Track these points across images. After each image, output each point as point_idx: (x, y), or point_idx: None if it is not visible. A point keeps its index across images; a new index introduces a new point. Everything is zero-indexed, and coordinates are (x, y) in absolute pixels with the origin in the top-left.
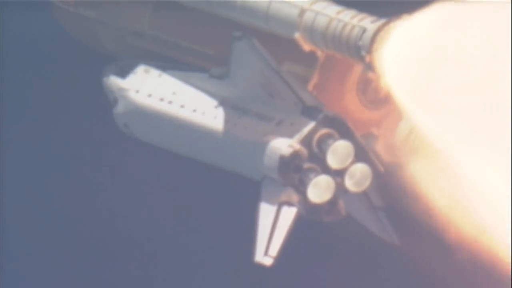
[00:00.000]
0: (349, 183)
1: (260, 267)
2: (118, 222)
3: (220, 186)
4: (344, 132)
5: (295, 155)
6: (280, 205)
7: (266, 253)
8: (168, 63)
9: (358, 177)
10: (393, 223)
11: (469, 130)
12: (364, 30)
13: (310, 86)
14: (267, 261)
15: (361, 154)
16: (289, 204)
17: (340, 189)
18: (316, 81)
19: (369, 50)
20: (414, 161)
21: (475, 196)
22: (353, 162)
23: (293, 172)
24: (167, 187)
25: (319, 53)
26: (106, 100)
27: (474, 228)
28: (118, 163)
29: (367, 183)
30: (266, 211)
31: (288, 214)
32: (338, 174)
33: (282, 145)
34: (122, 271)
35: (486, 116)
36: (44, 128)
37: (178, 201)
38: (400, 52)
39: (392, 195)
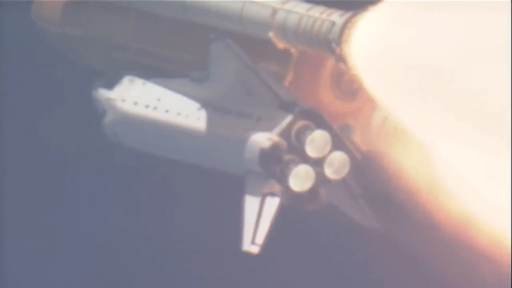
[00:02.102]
0: (329, 171)
1: (247, 255)
2: (118, 222)
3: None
4: (321, 123)
5: (275, 147)
6: (263, 196)
7: (253, 241)
8: (151, 72)
9: (336, 165)
10: (373, 209)
11: (437, 113)
12: (333, 24)
13: (286, 83)
14: (254, 249)
15: (338, 143)
16: (272, 194)
17: (320, 178)
18: (291, 78)
19: (339, 42)
20: (389, 148)
21: (449, 175)
22: (331, 151)
23: (274, 164)
24: (163, 186)
25: (292, 50)
26: None
27: (452, 208)
28: (118, 163)
29: (345, 170)
30: (250, 203)
31: (272, 204)
32: (318, 163)
33: (262, 139)
34: (121, 271)
35: (452, 98)
36: (44, 128)
37: (176, 201)
38: (368, 42)
39: (370, 182)
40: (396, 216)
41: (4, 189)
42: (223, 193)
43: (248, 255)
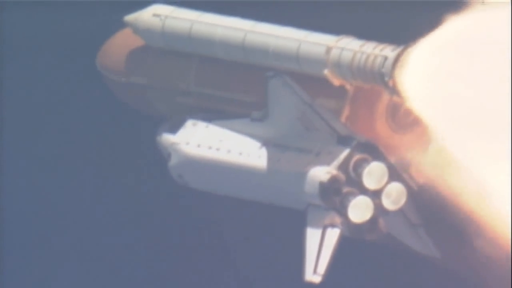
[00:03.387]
0: (386, 202)
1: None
2: (117, 222)
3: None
4: (377, 155)
5: (333, 179)
6: (324, 228)
7: (315, 271)
8: (213, 114)
9: (394, 195)
10: (432, 238)
11: (491, 142)
12: (385, 58)
13: (343, 118)
14: (316, 279)
15: (395, 175)
16: (333, 226)
17: (379, 209)
18: (348, 113)
19: (392, 75)
20: (445, 179)
21: (503, 204)
22: (388, 182)
23: (334, 196)
24: (167, 188)
25: (348, 86)
26: (106, 100)
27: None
28: (118, 163)
29: (402, 200)
30: (312, 234)
31: (333, 235)
32: (375, 195)
33: (321, 172)
34: (121, 272)
35: (504, 127)
36: (44, 128)
37: (179, 204)
38: (419, 74)
39: (428, 212)
40: (455, 245)
41: (4, 189)
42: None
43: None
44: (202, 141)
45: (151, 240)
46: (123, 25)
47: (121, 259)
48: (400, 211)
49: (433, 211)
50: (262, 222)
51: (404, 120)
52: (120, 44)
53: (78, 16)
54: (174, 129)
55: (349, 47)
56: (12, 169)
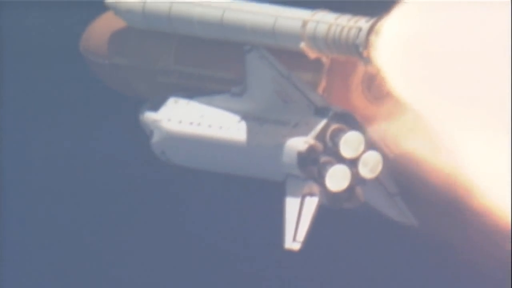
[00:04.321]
0: (363, 170)
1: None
2: (117, 222)
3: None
4: (353, 125)
5: (311, 149)
6: (303, 197)
7: (294, 239)
8: (195, 91)
9: (370, 164)
10: (409, 206)
11: (464, 110)
12: (359, 29)
13: (320, 90)
14: (296, 246)
15: (371, 143)
16: (311, 195)
17: (356, 177)
18: (324, 85)
19: (366, 46)
20: (420, 147)
21: (475, 171)
22: (364, 151)
23: (311, 165)
24: (165, 188)
25: (324, 59)
26: (105, 100)
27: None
28: (118, 163)
29: (379, 168)
30: (291, 204)
31: (311, 204)
32: (352, 164)
33: (299, 143)
34: (121, 272)
35: (479, 94)
36: (44, 127)
37: (178, 206)
38: (392, 43)
39: (404, 180)
40: (431, 212)
41: (4, 189)
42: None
43: (290, 252)
44: (183, 117)
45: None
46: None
47: (121, 259)
48: (377, 180)
49: (409, 179)
50: (243, 196)
51: (379, 90)
52: (102, 27)
53: (78, 16)
54: (156, 107)
55: (324, 20)
56: (12, 169)
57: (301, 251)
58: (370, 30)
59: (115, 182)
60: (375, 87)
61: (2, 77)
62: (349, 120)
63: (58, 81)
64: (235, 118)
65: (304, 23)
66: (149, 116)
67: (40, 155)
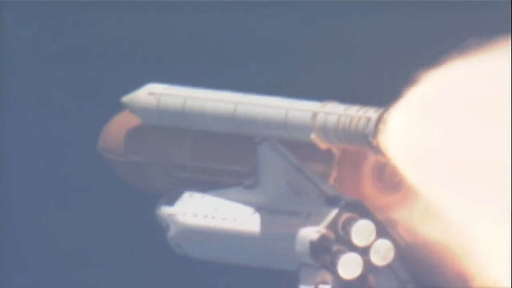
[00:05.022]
0: (375, 258)
1: None
2: (117, 223)
3: None
4: (364, 213)
5: (323, 238)
6: (316, 285)
7: None
8: (209, 185)
9: (382, 251)
10: None
11: (478, 197)
12: (369, 119)
13: (331, 181)
14: None
15: (382, 231)
16: (324, 283)
17: (368, 265)
18: (335, 176)
19: (375, 135)
20: (433, 236)
21: (489, 259)
22: (376, 239)
23: (324, 254)
24: None
25: (334, 149)
26: (105, 100)
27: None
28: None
29: (391, 256)
30: None
31: None
32: (364, 251)
33: (311, 232)
34: (121, 273)
35: (491, 182)
36: (44, 128)
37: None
38: (401, 132)
39: (417, 268)
40: None
41: (4, 189)
42: None
43: None
44: (198, 210)
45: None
46: (123, 24)
47: (121, 259)
48: (389, 267)
49: (422, 267)
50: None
51: (390, 180)
52: (119, 125)
53: (78, 16)
54: (171, 201)
55: (333, 111)
56: (12, 169)
57: None
58: (379, 119)
59: (115, 182)
60: (385, 177)
61: (2, 77)
62: (360, 209)
63: (58, 81)
64: (249, 210)
65: (314, 115)
66: (165, 210)
67: (40, 156)
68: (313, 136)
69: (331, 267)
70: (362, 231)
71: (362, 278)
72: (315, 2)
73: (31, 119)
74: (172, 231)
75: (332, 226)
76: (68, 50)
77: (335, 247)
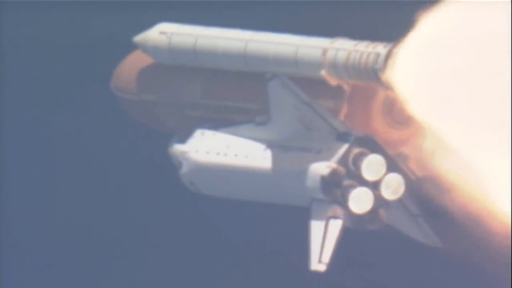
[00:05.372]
0: (386, 192)
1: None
2: (117, 223)
3: None
4: (375, 148)
5: (334, 173)
6: (327, 220)
7: (320, 261)
8: (220, 123)
9: (393, 186)
10: (432, 227)
11: (487, 132)
12: (378, 55)
13: (342, 116)
14: (322, 268)
15: (393, 166)
16: (336, 217)
17: (379, 199)
18: (346, 111)
19: (384, 71)
20: (443, 170)
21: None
22: (386, 173)
23: (335, 189)
24: (168, 189)
25: (345, 86)
26: (105, 100)
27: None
28: (120, 163)
29: (401, 190)
30: (316, 226)
31: (335, 226)
32: (375, 186)
33: (322, 167)
34: (120, 273)
35: (496, 114)
36: (43, 128)
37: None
38: (409, 67)
39: (427, 202)
40: (454, 232)
41: (4, 189)
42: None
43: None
44: (210, 148)
45: (155, 242)
46: (123, 26)
47: (121, 260)
48: (400, 202)
49: (432, 201)
50: (270, 222)
51: (400, 115)
52: (131, 65)
53: (78, 16)
54: (184, 139)
55: (343, 47)
56: (12, 169)
57: (326, 272)
58: (388, 55)
59: (116, 181)
60: (395, 112)
61: (2, 77)
62: (371, 144)
63: (58, 81)
64: (260, 146)
65: (324, 51)
66: (177, 148)
67: (40, 155)
68: (323, 72)
69: (342, 202)
70: (372, 166)
71: (373, 212)
72: None
73: (31, 119)
74: (184, 169)
75: (343, 161)
76: (68, 50)
77: (346, 182)
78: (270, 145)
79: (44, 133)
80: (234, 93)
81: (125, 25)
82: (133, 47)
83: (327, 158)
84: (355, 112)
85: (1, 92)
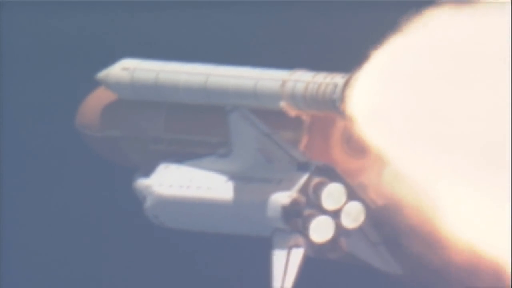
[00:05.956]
0: (346, 221)
1: None
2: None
3: None
4: (334, 177)
5: (294, 202)
6: (289, 249)
7: (282, 287)
8: (184, 156)
9: (353, 214)
10: (392, 255)
11: (443, 158)
12: (335, 85)
13: (302, 147)
14: None
15: (352, 194)
16: (297, 246)
17: (339, 228)
18: (306, 142)
19: (342, 99)
20: (401, 198)
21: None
22: (346, 202)
23: (296, 218)
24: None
25: (304, 116)
26: None
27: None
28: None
29: (361, 218)
30: (278, 256)
31: (297, 255)
32: (335, 215)
33: (283, 197)
34: (121, 272)
35: (455, 143)
36: (43, 127)
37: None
38: (367, 96)
39: (387, 230)
40: (413, 261)
41: (4, 189)
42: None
43: None
44: (173, 181)
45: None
46: (123, 26)
47: (121, 261)
48: (360, 230)
49: (392, 229)
50: (233, 252)
51: (359, 144)
52: (95, 101)
53: (78, 16)
54: (148, 173)
55: (302, 79)
56: (12, 169)
57: None
58: (346, 85)
59: (117, 182)
60: (354, 141)
61: (2, 77)
62: (330, 173)
63: (59, 81)
64: (223, 178)
65: (283, 83)
66: (141, 182)
67: (40, 155)
68: (283, 104)
69: (303, 231)
70: (332, 195)
71: (334, 241)
72: None
73: (31, 118)
74: (148, 202)
75: (303, 190)
76: (68, 50)
77: (307, 211)
78: (232, 176)
79: (43, 132)
80: (196, 126)
81: (125, 25)
82: (129, 49)
83: (288, 188)
84: (315, 142)
85: (1, 92)
